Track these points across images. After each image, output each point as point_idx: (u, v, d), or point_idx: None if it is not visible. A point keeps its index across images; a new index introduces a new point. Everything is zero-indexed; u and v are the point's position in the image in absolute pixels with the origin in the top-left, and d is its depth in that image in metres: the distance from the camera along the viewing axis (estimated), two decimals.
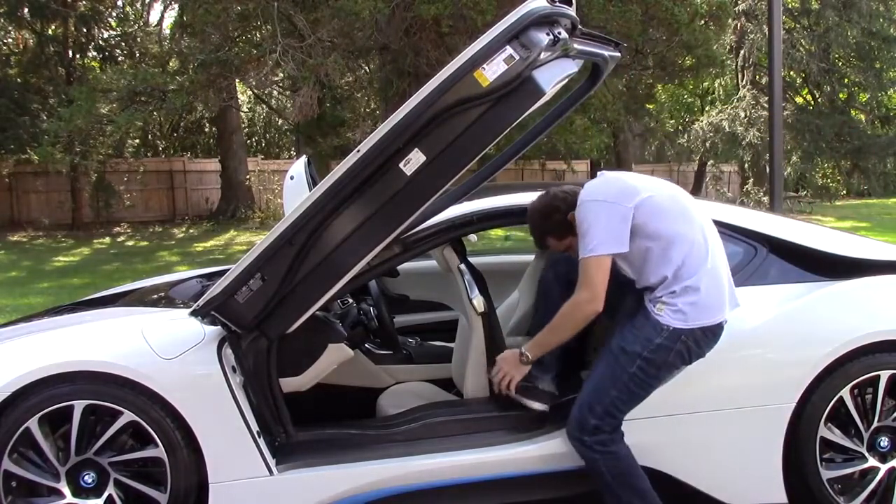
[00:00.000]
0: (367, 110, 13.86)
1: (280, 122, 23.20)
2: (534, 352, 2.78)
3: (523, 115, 2.57)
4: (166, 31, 18.99)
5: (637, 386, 2.67)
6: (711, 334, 2.68)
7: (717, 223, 3.09)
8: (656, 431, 2.82)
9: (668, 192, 2.74)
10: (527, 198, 3.21)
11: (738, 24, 20.02)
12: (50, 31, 18.39)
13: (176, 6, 15.67)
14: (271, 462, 2.73)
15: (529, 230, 2.94)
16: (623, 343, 2.67)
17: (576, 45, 2.62)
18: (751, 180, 21.78)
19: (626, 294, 2.77)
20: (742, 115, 20.07)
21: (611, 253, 2.60)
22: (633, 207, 2.60)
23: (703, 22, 11.70)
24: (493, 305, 3.17)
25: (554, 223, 2.83)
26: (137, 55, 18.51)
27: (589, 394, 2.70)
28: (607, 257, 2.59)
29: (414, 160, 2.53)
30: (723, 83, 22.42)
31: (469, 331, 3.11)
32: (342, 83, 13.06)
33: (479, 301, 3.03)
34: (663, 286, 2.64)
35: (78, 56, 18.91)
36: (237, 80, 13.42)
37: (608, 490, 2.71)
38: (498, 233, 13.09)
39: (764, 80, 18.82)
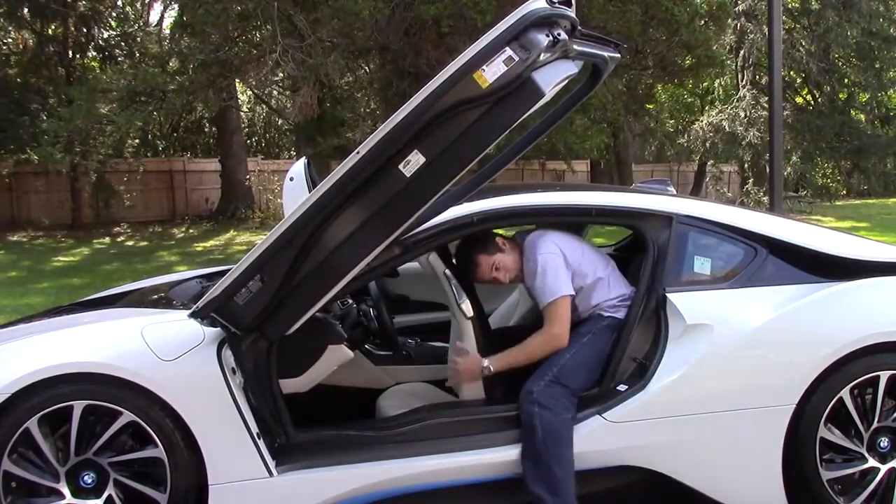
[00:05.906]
0: (367, 110, 13.83)
1: (280, 122, 23.19)
2: (498, 365, 2.97)
3: (523, 117, 2.56)
4: (166, 31, 19.00)
5: (590, 350, 2.95)
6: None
7: (718, 224, 3.11)
8: (656, 432, 2.82)
9: (575, 243, 3.13)
10: (527, 198, 3.21)
11: (738, 24, 19.97)
12: (50, 31, 18.37)
13: (176, 6, 15.68)
14: (271, 463, 2.73)
15: (459, 262, 3.18)
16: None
17: (575, 46, 2.61)
18: (751, 180, 21.74)
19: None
20: (742, 115, 20.04)
21: (571, 294, 3.00)
22: (570, 260, 3.04)
23: (703, 22, 11.67)
24: (482, 308, 3.17)
25: (483, 242, 3.12)
26: (137, 55, 18.47)
27: (545, 364, 2.93)
28: (569, 297, 2.99)
29: (413, 161, 2.52)
30: (723, 83, 22.36)
31: (460, 335, 3.10)
32: (342, 83, 13.06)
33: (466, 306, 3.02)
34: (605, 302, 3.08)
35: (78, 56, 18.87)
36: (237, 80, 13.42)
37: (531, 451, 2.76)
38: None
39: (764, 80, 18.81)
